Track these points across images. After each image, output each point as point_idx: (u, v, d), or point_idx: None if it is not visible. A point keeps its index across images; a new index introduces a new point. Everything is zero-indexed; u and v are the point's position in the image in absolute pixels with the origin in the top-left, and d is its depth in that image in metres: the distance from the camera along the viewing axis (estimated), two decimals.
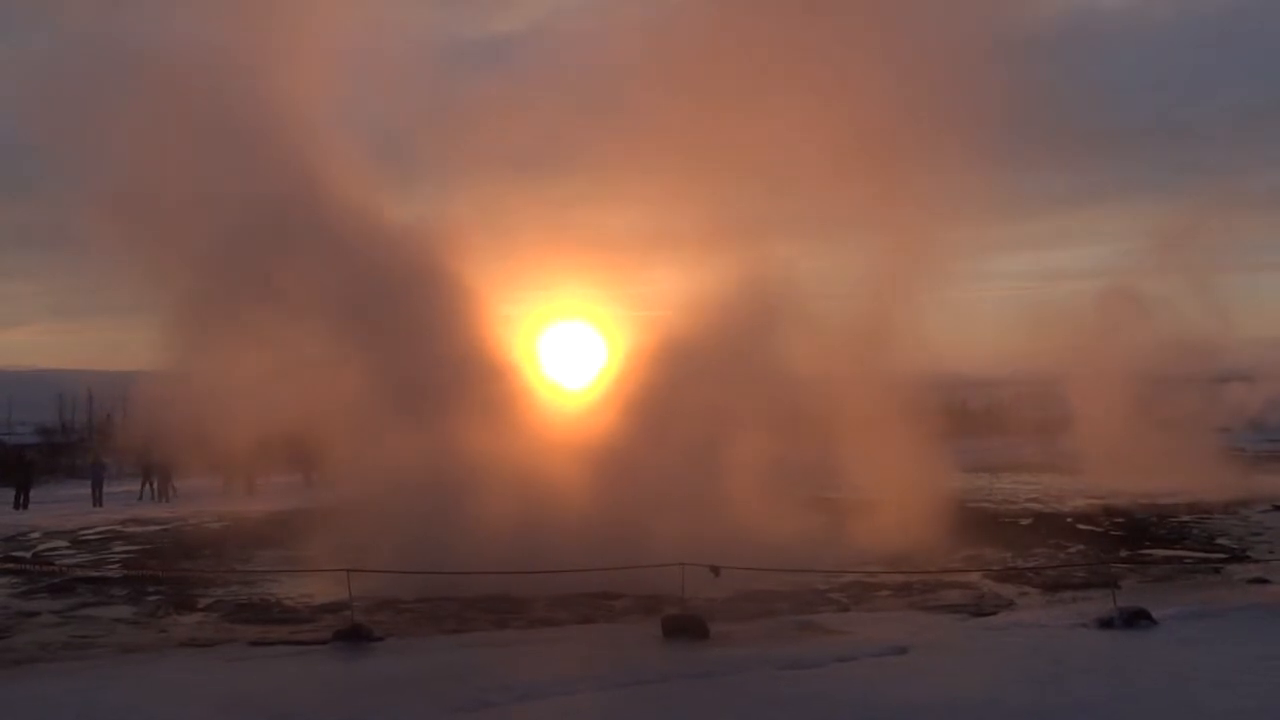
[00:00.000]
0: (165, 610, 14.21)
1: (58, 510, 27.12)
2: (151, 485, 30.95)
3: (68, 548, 20.47)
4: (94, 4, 18.51)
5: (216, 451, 30.62)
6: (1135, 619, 11.71)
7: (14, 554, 18.76)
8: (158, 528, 23.05)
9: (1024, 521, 21.36)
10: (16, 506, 27.98)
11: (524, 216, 18.50)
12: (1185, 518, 21.81)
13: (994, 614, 12.99)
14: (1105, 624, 11.65)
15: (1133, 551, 18.01)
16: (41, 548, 20.30)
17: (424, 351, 16.79)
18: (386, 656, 10.95)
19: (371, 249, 16.98)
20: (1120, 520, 21.52)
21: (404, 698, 9.13)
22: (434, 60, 17.50)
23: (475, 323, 17.60)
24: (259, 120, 17.41)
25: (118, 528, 23.18)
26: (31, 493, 29.14)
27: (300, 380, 17.25)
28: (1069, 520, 21.53)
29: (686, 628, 11.47)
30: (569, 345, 19.38)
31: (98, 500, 29.26)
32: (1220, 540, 19.07)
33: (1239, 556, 17.21)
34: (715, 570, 12.73)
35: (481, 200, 18.77)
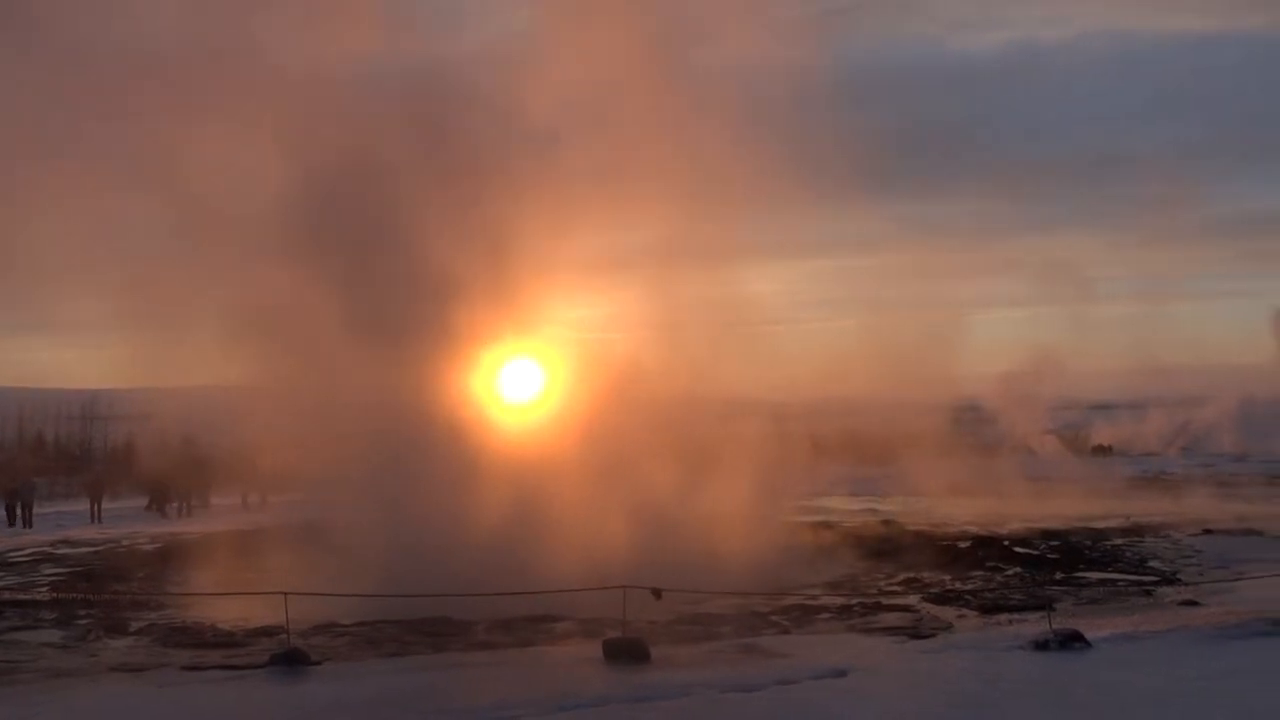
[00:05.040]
0: (96, 634, 13.92)
1: None
2: (17, 511, 28.82)
3: None
4: None
5: (152, 472, 30.45)
6: (1070, 641, 11.88)
7: None
8: (89, 550, 22.57)
9: (962, 544, 21.59)
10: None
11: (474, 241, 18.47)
12: (1118, 541, 22.16)
13: (932, 636, 13.11)
14: (1041, 646, 11.80)
15: (1067, 574, 18.26)
16: None
17: (368, 370, 16.68)
18: (323, 681, 10.81)
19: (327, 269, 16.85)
20: (1055, 543, 21.83)
21: None
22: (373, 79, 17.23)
23: (424, 349, 17.51)
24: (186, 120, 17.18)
25: (48, 549, 22.67)
26: None
27: (239, 401, 17.05)
28: (1006, 543, 21.79)
29: (627, 651, 11.45)
30: (515, 367, 19.32)
31: (26, 521, 28.52)
32: (1152, 563, 19.40)
33: (1170, 579, 17.51)
34: (657, 593, 12.75)
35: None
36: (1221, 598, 15.12)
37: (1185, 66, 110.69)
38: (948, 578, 18.03)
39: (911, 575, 18.28)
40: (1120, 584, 17.24)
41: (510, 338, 18.03)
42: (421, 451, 15.97)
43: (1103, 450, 50.15)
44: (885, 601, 15.83)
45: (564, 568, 14.19)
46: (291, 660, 11.43)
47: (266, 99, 17.03)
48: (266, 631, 13.33)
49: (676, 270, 20.30)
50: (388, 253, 16.57)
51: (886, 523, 24.17)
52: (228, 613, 14.75)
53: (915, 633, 13.34)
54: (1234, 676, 10.35)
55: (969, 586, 17.16)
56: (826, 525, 22.87)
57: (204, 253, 17.36)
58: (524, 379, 19.15)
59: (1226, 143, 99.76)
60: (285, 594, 12.24)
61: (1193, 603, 14.93)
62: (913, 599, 16.12)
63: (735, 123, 19.48)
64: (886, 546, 20.95)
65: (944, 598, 16.15)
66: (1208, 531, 23.16)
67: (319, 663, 11.58)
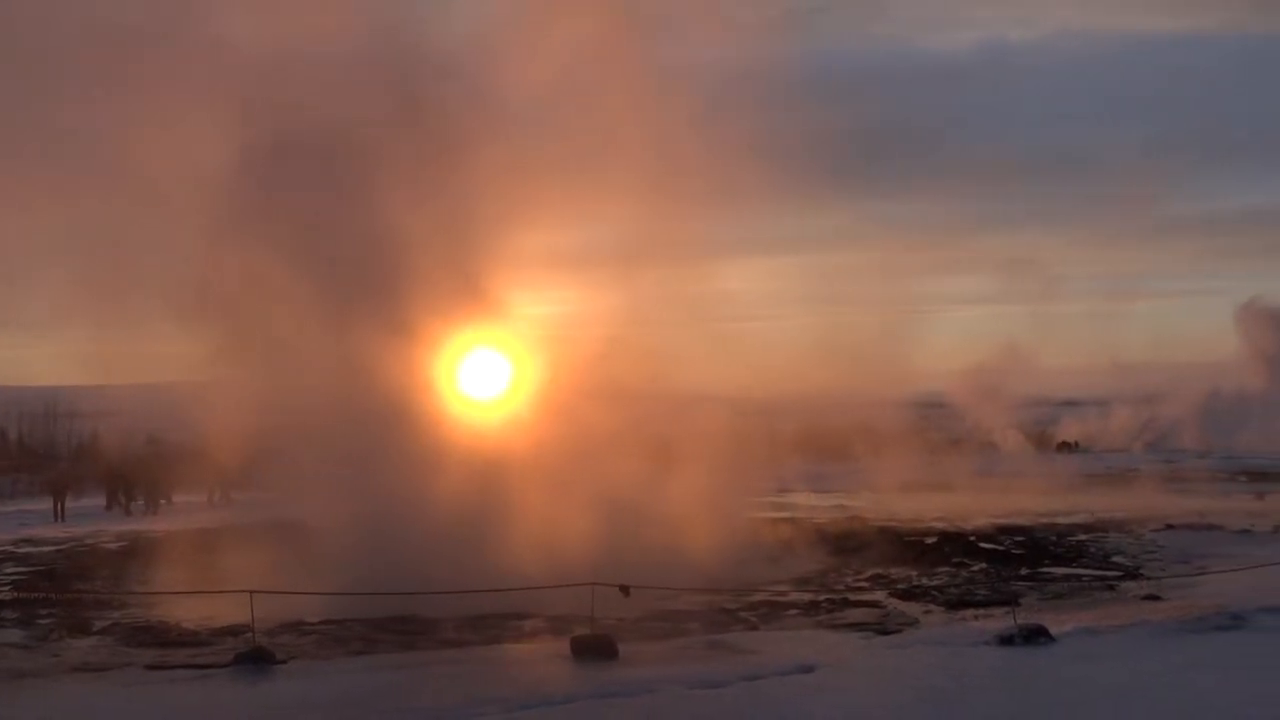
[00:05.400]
0: (58, 634, 13.75)
1: None
2: None
3: None
4: None
5: (117, 469, 30.15)
6: (1034, 636, 11.99)
7: None
8: (52, 549, 22.30)
9: (928, 540, 21.74)
10: None
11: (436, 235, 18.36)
12: (1082, 536, 22.39)
13: (899, 632, 13.20)
14: (1006, 641, 11.91)
15: (1032, 570, 18.43)
16: None
17: (332, 365, 16.58)
18: (289, 680, 10.74)
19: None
20: (1020, 539, 22.02)
21: None
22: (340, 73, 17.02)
23: (385, 339, 17.41)
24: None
25: (9, 549, 22.38)
26: None
27: (204, 397, 16.91)
28: (972, 539, 21.96)
29: (595, 648, 11.45)
30: (482, 362, 19.26)
31: None
32: (1115, 558, 19.61)
33: (1133, 574, 17.71)
34: (625, 590, 12.76)
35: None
36: (1182, 592, 15.31)
37: (1150, 67, 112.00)
38: (914, 573, 18.16)
39: (879, 571, 18.39)
40: (1084, 579, 17.42)
41: (476, 331, 17.99)
42: (388, 447, 15.91)
43: (1068, 446, 50.66)
44: (852, 598, 15.94)
45: (532, 565, 14.18)
46: (257, 659, 11.35)
47: (217, 81, 16.77)
48: (232, 630, 13.23)
49: (643, 266, 20.32)
50: (348, 243, 16.46)
51: (854, 519, 24.31)
52: (192, 611, 14.62)
53: (882, 628, 13.42)
54: (1194, 670, 10.49)
55: (935, 582, 17.29)
56: (794, 521, 22.96)
57: (162, 246, 17.18)
58: (490, 373, 19.11)
59: (1189, 143, 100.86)
60: (251, 592, 12.16)
61: (1155, 597, 15.11)
62: (880, 595, 16.24)
63: (703, 120, 19.53)
64: (854, 542, 21.08)
65: (911, 593, 16.27)
66: (1170, 527, 23.43)
67: (285, 661, 11.51)
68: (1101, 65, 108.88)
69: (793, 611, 14.95)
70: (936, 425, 52.23)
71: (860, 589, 16.82)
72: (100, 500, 30.65)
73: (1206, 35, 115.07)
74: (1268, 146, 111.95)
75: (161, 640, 13.33)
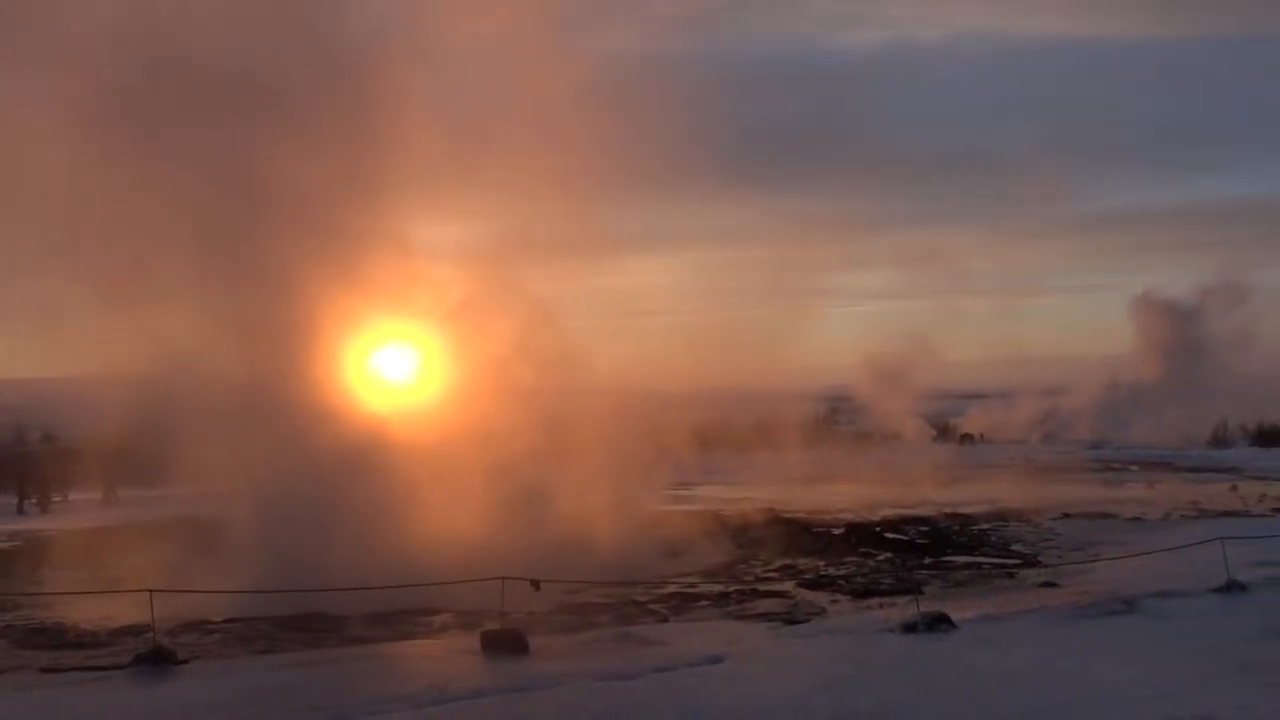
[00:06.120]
0: None
1: None
2: None
3: None
4: None
5: (8, 466, 29.13)
6: (936, 623, 12.26)
7: None
8: None
9: (836, 531, 22.09)
10: None
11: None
12: (984, 525, 22.95)
13: (806, 621, 13.40)
14: (909, 628, 12.16)
15: (935, 559, 18.85)
16: None
17: (235, 357, 16.26)
18: (190, 680, 10.52)
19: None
20: (924, 529, 22.50)
21: None
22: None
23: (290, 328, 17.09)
24: None
25: None
26: None
27: (99, 393, 16.43)
28: (877, 529, 22.37)
29: (505, 642, 11.41)
30: (389, 354, 19.05)
31: None
32: (1015, 547, 20.15)
33: (1031, 562, 18.23)
34: (536, 584, 12.74)
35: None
36: (1078, 579, 15.80)
37: (1053, 69, 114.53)
38: (822, 564, 18.45)
39: (787, 562, 18.65)
40: (985, 567, 17.87)
41: (380, 323, 17.77)
42: (292, 441, 15.65)
43: (970, 438, 51.85)
44: (761, 588, 16.14)
45: (442, 560, 14.07)
46: (157, 660, 11.07)
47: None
48: (131, 631, 12.91)
49: (545, 259, 20.29)
50: (247, 233, 16.10)
51: (762, 510, 24.59)
52: (90, 612, 14.20)
53: (790, 618, 13.62)
54: (1089, 654, 10.83)
55: (842, 572, 17.59)
56: (703, 514, 23.16)
57: (52, 235, 16.56)
58: (398, 367, 18.91)
59: (1089, 143, 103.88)
60: (150, 591, 11.85)
61: (1051, 584, 15.56)
62: (788, 585, 16.47)
63: (611, 112, 19.53)
64: (763, 534, 21.31)
65: (818, 584, 16.54)
66: (1066, 516, 24.16)
67: (186, 661, 11.26)
68: (1006, 66, 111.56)
69: (703, 603, 15.08)
70: (843, 418, 53.14)
71: (769, 580, 17.04)
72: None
73: (1108, 39, 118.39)
74: (1162, 148, 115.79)
75: (57, 642, 12.95)
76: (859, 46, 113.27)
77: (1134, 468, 38.84)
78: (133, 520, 21.57)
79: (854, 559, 18.98)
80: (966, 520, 23.74)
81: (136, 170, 15.69)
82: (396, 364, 18.82)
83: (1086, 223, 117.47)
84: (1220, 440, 47.51)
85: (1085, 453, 45.13)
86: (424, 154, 18.11)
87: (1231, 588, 14.06)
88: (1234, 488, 30.40)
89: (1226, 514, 23.94)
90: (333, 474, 15.46)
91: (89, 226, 16.29)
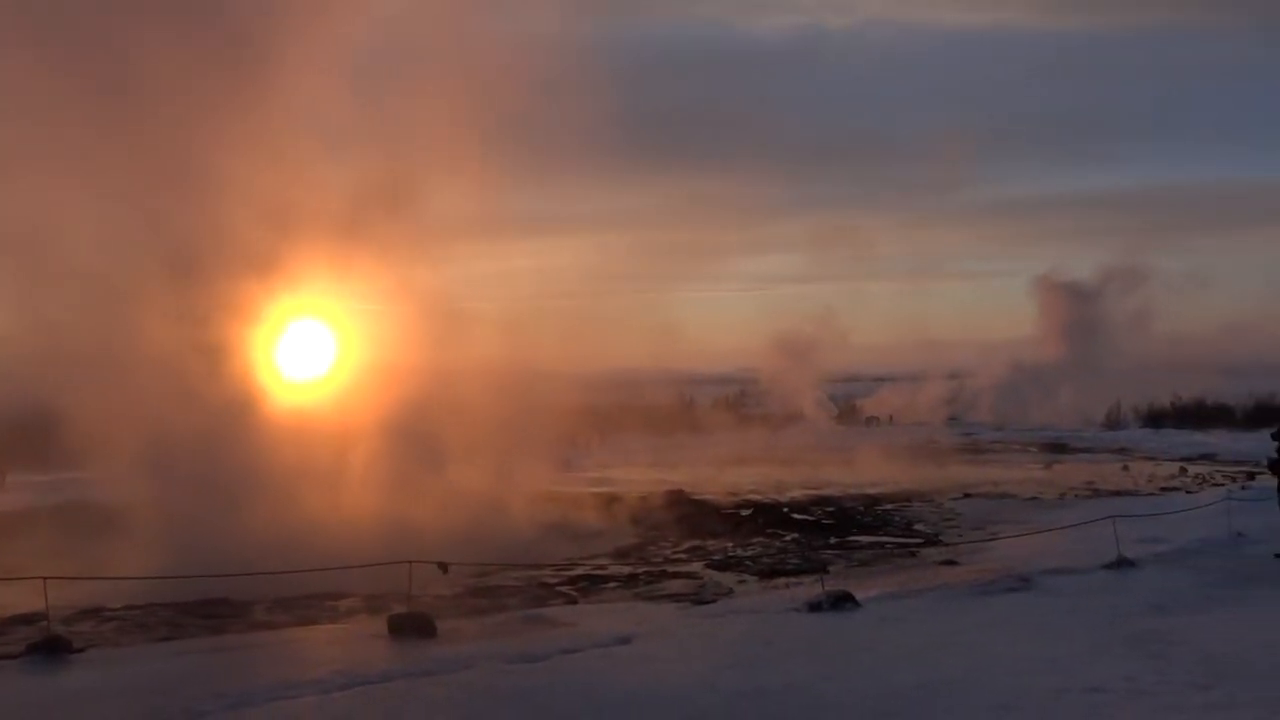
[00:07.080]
0: None
1: None
2: None
3: None
4: None
5: None
6: (841, 602, 12.50)
7: None
8: None
9: (744, 512, 22.35)
10: None
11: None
12: (887, 506, 23.43)
13: (714, 601, 13.57)
14: (814, 607, 12.37)
15: (840, 539, 19.20)
16: None
17: (138, 338, 15.84)
18: (87, 669, 10.26)
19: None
20: (830, 509, 22.88)
21: (103, 711, 8.61)
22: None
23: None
24: None
25: None
26: None
27: None
28: (785, 510, 22.69)
29: (413, 626, 11.35)
30: (300, 338, 18.73)
31: None
32: (917, 526, 20.62)
33: (933, 540, 18.68)
34: (444, 567, 12.69)
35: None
36: (977, 557, 16.24)
37: (959, 58, 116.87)
38: (730, 545, 18.67)
39: (696, 543, 18.83)
40: (888, 546, 18.26)
41: (293, 308, 17.48)
42: (195, 424, 15.33)
43: (874, 420, 52.78)
44: (670, 569, 16.28)
45: (349, 543, 13.91)
46: (51, 648, 10.78)
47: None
48: (25, 619, 12.53)
49: (457, 241, 20.13)
50: (160, 208, 15.70)
51: (672, 492, 24.77)
52: None
53: (698, 599, 13.77)
54: (987, 629, 11.15)
55: (749, 553, 17.83)
56: (615, 496, 23.25)
57: None
58: (309, 350, 18.62)
59: (992, 132, 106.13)
60: (45, 578, 11.52)
61: (952, 562, 15.97)
62: (697, 566, 16.64)
63: (519, 95, 19.43)
64: (672, 516, 21.50)
65: (726, 564, 16.74)
66: (967, 495, 24.80)
67: (83, 649, 10.98)
68: (912, 55, 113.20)
69: (612, 584, 15.17)
70: (751, 401, 53.68)
71: (678, 561, 17.20)
72: None
73: (1012, 30, 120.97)
74: (1063, 137, 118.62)
75: None
76: (769, 33, 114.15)
77: (1032, 449, 39.95)
78: (26, 505, 20.91)
79: (761, 540, 19.23)
80: (871, 501, 24.22)
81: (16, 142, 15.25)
82: (301, 347, 18.51)
83: (991, 209, 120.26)
84: (1114, 422, 49.10)
85: (987, 434, 46.30)
86: (330, 131, 17.84)
87: (1121, 564, 14.60)
88: (1125, 468, 31.52)
89: (1118, 493, 24.81)
90: (234, 459, 15.18)
91: None
